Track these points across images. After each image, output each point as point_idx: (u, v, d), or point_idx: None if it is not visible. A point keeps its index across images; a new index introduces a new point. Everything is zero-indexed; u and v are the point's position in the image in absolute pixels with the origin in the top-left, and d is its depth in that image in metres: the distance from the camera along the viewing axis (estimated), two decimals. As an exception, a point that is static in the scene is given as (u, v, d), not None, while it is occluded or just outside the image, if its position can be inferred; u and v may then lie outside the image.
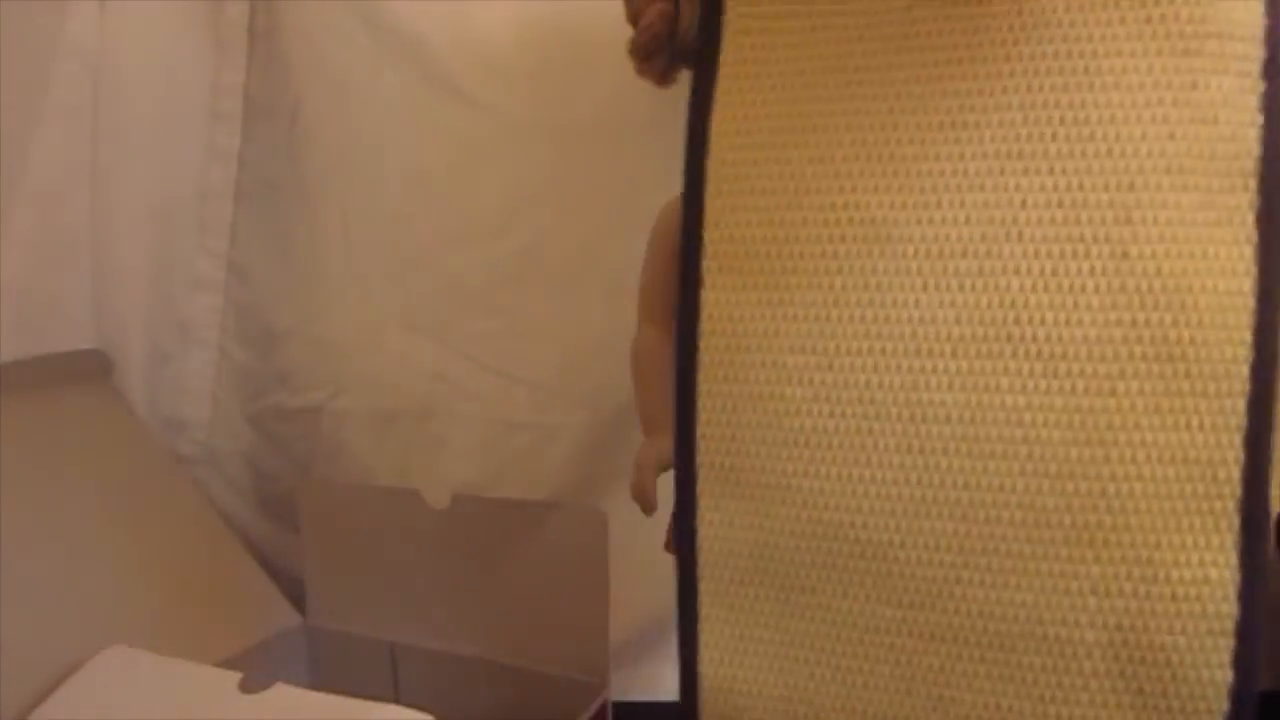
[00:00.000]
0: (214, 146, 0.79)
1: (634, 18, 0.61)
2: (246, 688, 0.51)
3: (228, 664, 0.58)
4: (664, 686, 0.77)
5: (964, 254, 0.39)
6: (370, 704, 0.49)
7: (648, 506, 0.60)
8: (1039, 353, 0.38)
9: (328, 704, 0.50)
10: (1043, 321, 0.38)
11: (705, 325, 0.44)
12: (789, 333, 0.42)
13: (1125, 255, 0.38)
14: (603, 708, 0.60)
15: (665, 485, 0.60)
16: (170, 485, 0.73)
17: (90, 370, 0.73)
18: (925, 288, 0.40)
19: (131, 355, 0.78)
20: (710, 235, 0.44)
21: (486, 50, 0.73)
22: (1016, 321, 0.39)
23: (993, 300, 0.39)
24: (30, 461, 0.63)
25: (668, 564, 0.63)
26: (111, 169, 0.74)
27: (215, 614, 0.66)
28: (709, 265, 0.44)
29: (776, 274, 0.42)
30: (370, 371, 0.79)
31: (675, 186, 0.63)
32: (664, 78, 0.63)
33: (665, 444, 0.61)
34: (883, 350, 0.40)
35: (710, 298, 0.44)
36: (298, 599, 0.71)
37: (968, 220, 0.39)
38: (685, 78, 0.64)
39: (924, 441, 0.40)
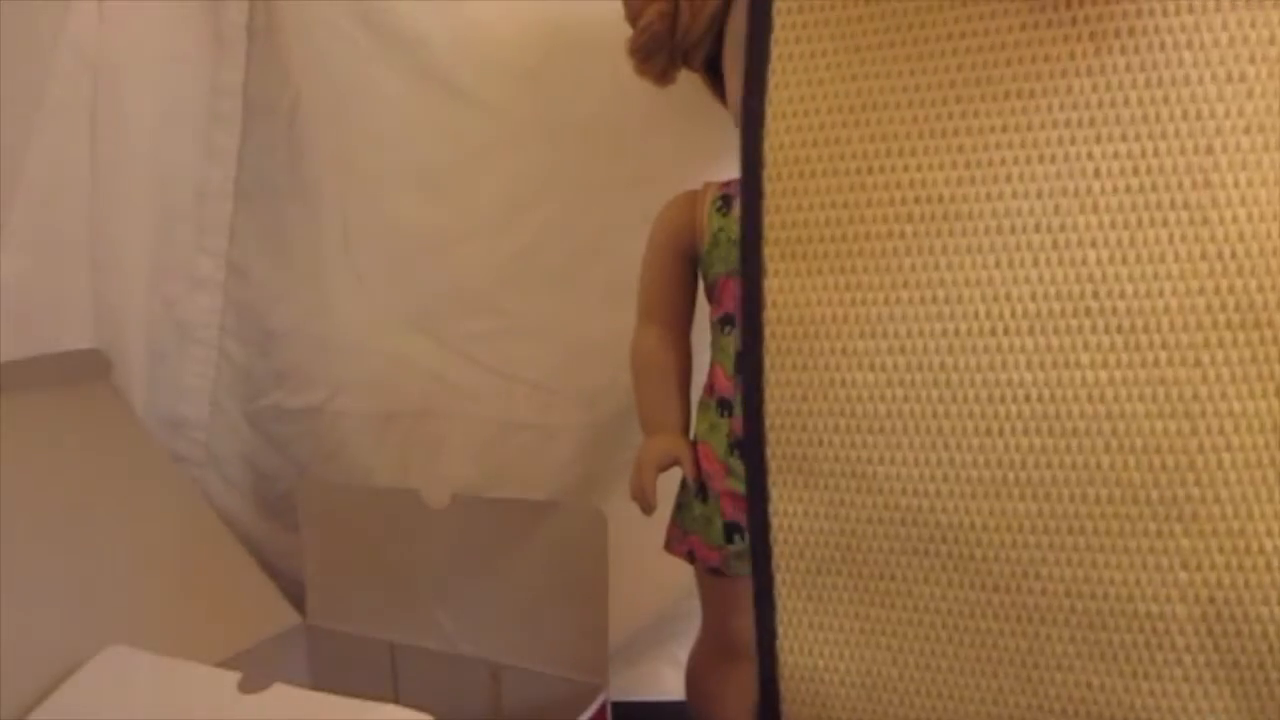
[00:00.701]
0: (213, 146, 0.79)
1: (634, 17, 0.61)
2: (245, 688, 0.51)
3: (227, 664, 0.58)
4: (664, 686, 0.77)
5: (1037, 228, 0.39)
6: (370, 704, 0.49)
7: (647, 506, 0.60)
8: (1119, 325, 0.38)
9: (327, 704, 0.50)
10: (1122, 294, 0.38)
11: (770, 313, 0.42)
12: (857, 317, 0.41)
13: (1205, 221, 0.37)
14: (603, 708, 0.60)
15: (664, 485, 0.61)
16: (169, 485, 0.73)
17: (90, 370, 0.73)
18: (998, 264, 0.39)
19: (131, 355, 0.77)
20: (771, 221, 0.42)
21: (486, 50, 0.73)
22: (1095, 295, 0.38)
23: (1069, 274, 0.38)
24: (30, 461, 0.63)
25: (668, 564, 0.63)
26: (111, 168, 0.74)
27: (215, 614, 0.66)
28: (771, 252, 0.42)
29: (842, 257, 0.41)
30: (370, 371, 0.79)
31: (674, 186, 0.64)
32: (663, 77, 0.63)
33: (665, 444, 0.61)
34: (956, 331, 0.40)
35: (774, 285, 0.42)
36: (298, 599, 0.71)
37: (1039, 193, 0.39)
38: (685, 77, 0.64)
39: (1003, 422, 0.39)
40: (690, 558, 0.61)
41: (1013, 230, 0.39)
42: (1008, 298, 0.39)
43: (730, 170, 0.63)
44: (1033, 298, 0.39)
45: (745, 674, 0.65)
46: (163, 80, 0.76)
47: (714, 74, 0.62)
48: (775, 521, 0.43)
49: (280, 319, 0.81)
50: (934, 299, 0.40)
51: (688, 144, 0.71)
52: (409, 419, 0.79)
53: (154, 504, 0.70)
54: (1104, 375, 0.38)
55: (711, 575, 0.62)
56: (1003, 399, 0.39)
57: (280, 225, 0.80)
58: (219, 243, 0.81)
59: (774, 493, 0.43)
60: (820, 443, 0.42)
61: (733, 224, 0.59)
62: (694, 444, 0.61)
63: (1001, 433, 0.39)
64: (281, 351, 0.81)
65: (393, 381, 0.78)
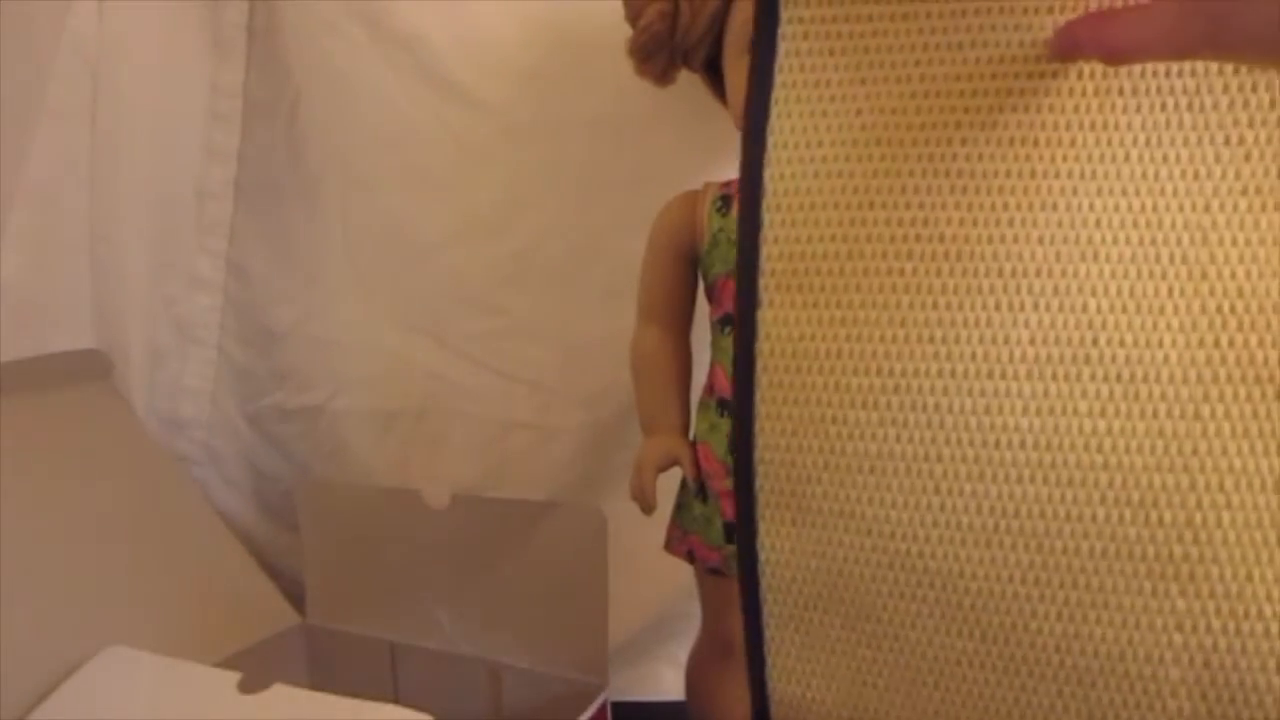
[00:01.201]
0: (213, 146, 0.79)
1: (634, 17, 0.61)
2: (245, 688, 0.51)
3: (227, 664, 0.58)
4: (664, 686, 0.77)
5: (1038, 273, 0.38)
6: (369, 704, 0.49)
7: (647, 506, 0.60)
8: (1119, 375, 0.37)
9: (326, 704, 0.50)
10: (1122, 342, 0.37)
11: (764, 345, 0.42)
12: (853, 353, 0.40)
13: (1204, 276, 0.37)
14: (603, 708, 0.60)
15: (664, 485, 0.61)
16: (170, 485, 0.73)
17: (90, 370, 0.73)
18: (998, 307, 0.38)
19: (131, 355, 0.78)
20: (769, 251, 0.42)
21: (486, 50, 0.73)
22: (1094, 343, 0.38)
23: (1069, 320, 0.38)
24: (30, 461, 0.63)
25: (667, 564, 0.63)
26: (111, 168, 0.74)
27: (215, 614, 0.66)
28: (766, 283, 0.42)
29: (839, 292, 0.40)
30: (370, 371, 0.79)
31: (674, 186, 0.64)
32: (663, 77, 0.63)
33: (664, 444, 0.61)
34: (953, 372, 0.39)
35: (769, 316, 0.42)
36: (298, 599, 0.71)
37: (1040, 239, 0.38)
38: (685, 77, 0.64)
39: (997, 468, 0.38)
40: (690, 558, 0.61)
41: (1014, 274, 0.38)
42: (1006, 341, 0.38)
43: (730, 170, 0.63)
44: (1031, 342, 0.38)
45: (744, 674, 0.66)
46: (163, 80, 0.76)
47: (714, 74, 0.62)
48: (763, 556, 0.43)
49: (280, 319, 0.81)
50: (931, 339, 0.39)
51: (688, 144, 0.71)
52: (409, 419, 0.79)
53: (154, 504, 0.70)
54: (1102, 424, 0.37)
55: (711, 575, 0.62)
56: (997, 444, 0.38)
57: (280, 225, 0.80)
58: (219, 243, 0.81)
59: (762, 527, 0.42)
60: (810, 480, 0.41)
61: (732, 224, 0.59)
62: (694, 444, 0.61)
63: (995, 479, 0.38)
64: (281, 351, 0.81)
65: (393, 381, 0.79)
